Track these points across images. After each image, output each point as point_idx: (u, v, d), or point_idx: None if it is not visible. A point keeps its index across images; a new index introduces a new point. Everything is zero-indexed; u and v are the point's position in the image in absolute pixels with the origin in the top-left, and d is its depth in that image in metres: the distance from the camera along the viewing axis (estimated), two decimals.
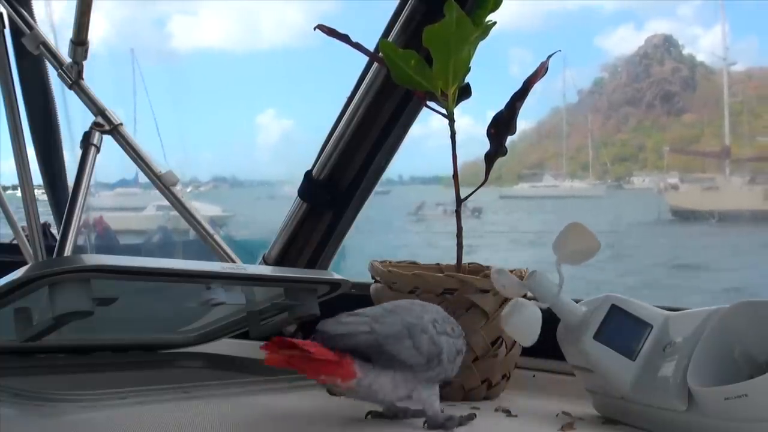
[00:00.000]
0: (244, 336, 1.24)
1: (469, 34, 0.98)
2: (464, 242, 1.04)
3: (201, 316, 1.25)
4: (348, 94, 1.34)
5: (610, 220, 11.23)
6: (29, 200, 1.48)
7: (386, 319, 0.79)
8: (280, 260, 1.43)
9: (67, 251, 1.33)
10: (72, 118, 1.77)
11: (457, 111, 1.04)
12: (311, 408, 0.90)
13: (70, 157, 1.74)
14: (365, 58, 1.25)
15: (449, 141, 1.03)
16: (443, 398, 0.93)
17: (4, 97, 1.49)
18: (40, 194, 1.72)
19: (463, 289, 0.98)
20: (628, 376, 0.85)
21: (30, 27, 1.48)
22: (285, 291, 1.14)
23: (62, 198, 1.72)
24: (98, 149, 1.42)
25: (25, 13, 1.51)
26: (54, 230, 1.83)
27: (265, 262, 1.46)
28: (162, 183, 1.42)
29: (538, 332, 0.90)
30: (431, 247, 9.81)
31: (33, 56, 1.51)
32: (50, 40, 1.49)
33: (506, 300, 0.97)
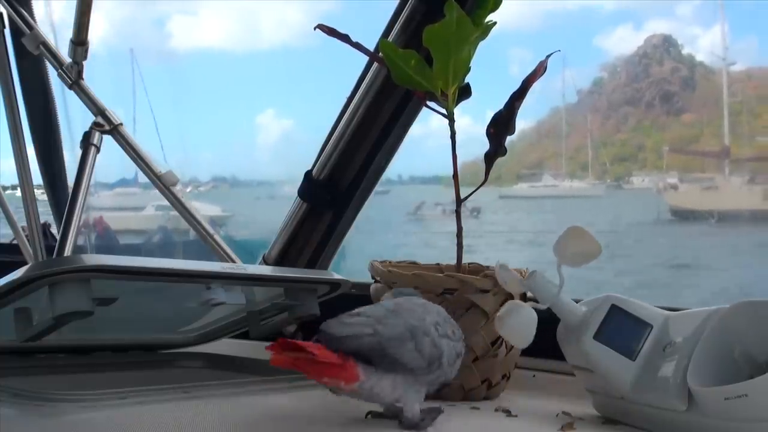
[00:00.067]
0: (244, 336, 1.24)
1: (469, 34, 0.98)
2: (463, 242, 1.05)
3: (201, 316, 1.25)
4: (348, 94, 1.34)
5: (609, 220, 11.23)
6: (29, 200, 1.48)
7: (389, 320, 0.79)
8: (280, 260, 1.44)
9: (67, 251, 1.33)
10: (72, 118, 1.77)
11: (457, 111, 1.04)
12: (311, 408, 0.90)
13: (70, 157, 1.74)
14: (365, 58, 1.26)
15: (449, 141, 1.04)
16: (443, 398, 0.93)
17: (4, 97, 1.49)
18: (40, 194, 1.72)
19: (463, 289, 0.98)
20: (628, 376, 0.85)
21: (30, 27, 1.48)
22: (285, 291, 1.14)
23: (62, 198, 1.72)
24: (98, 149, 1.43)
25: (25, 13, 1.51)
26: (54, 230, 1.83)
27: (265, 262, 1.46)
28: (162, 183, 1.42)
29: (533, 335, 0.90)
30: (428, 246, 9.81)
31: (33, 56, 1.51)
32: (50, 40, 1.49)
33: (506, 300, 0.97)
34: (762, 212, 11.60)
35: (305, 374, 0.77)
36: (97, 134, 1.42)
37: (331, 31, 1.05)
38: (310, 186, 1.39)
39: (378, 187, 1.42)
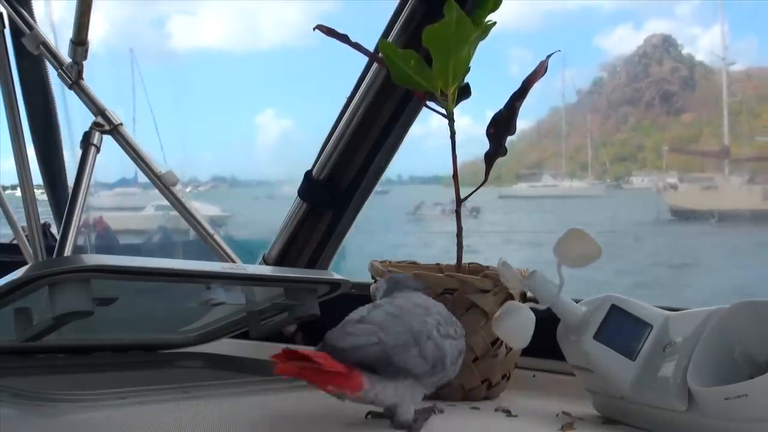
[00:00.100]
0: (244, 336, 1.24)
1: (469, 34, 0.98)
2: (463, 242, 1.05)
3: (201, 316, 1.25)
4: (348, 94, 1.34)
5: (609, 219, 11.23)
6: (29, 200, 1.48)
7: (392, 326, 0.79)
8: (280, 260, 1.44)
9: (67, 251, 1.33)
10: (72, 118, 1.77)
11: (457, 111, 1.04)
12: (311, 408, 0.90)
13: (70, 157, 1.74)
14: (365, 59, 1.25)
15: (449, 141, 1.04)
16: (443, 398, 0.93)
17: (4, 97, 1.49)
18: (40, 194, 1.72)
19: (463, 289, 0.98)
20: (628, 376, 0.85)
21: (30, 27, 1.48)
22: (285, 291, 1.14)
23: (62, 198, 1.72)
24: (98, 149, 1.43)
25: (25, 13, 1.51)
26: (54, 230, 1.83)
27: (265, 262, 1.46)
28: (162, 183, 1.42)
29: (531, 336, 0.90)
30: (427, 246, 9.81)
31: (33, 56, 1.51)
32: (50, 40, 1.49)
33: (506, 300, 0.97)
34: (762, 212, 11.59)
35: (310, 383, 0.77)
36: (97, 134, 1.42)
37: (330, 32, 1.05)
38: (310, 186, 1.39)
39: (378, 187, 1.42)
